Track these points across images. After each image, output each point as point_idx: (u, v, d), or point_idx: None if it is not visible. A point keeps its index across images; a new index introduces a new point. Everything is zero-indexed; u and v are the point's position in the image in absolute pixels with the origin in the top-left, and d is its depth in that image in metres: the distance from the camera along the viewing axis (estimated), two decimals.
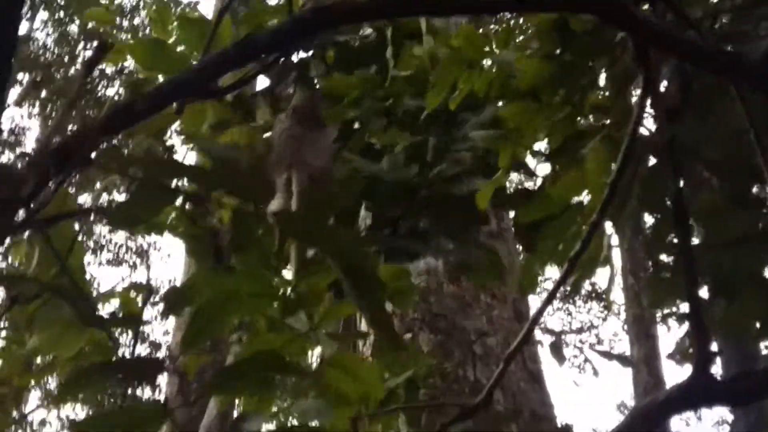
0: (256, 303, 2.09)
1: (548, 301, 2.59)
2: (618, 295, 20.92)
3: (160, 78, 2.94)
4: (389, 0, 1.64)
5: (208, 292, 1.96)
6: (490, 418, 3.75)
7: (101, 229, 18.54)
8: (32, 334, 2.11)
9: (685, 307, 3.27)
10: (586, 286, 19.83)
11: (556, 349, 4.13)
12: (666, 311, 3.48)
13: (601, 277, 20.33)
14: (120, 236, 19.05)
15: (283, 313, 2.43)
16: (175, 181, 1.91)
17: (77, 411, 17.78)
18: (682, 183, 2.87)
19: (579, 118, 3.10)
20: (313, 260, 2.20)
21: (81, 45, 18.34)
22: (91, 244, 17.86)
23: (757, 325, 3.04)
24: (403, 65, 3.54)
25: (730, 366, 8.91)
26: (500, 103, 3.22)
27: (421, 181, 3.27)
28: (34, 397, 15.58)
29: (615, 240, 3.23)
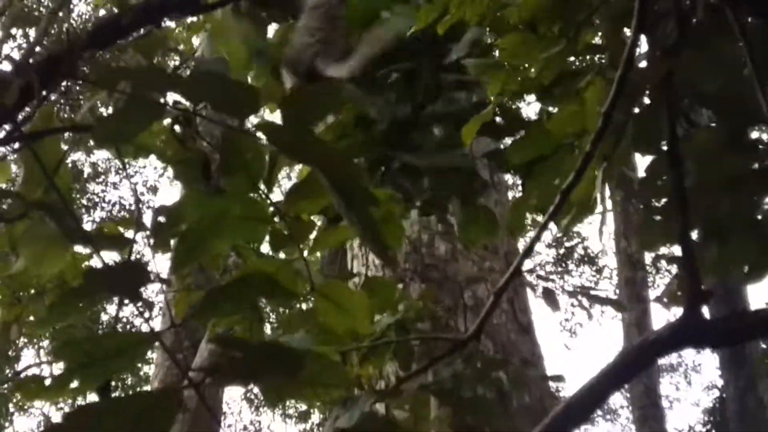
0: (245, 226, 2.06)
1: (538, 235, 2.58)
2: (610, 260, 21.01)
3: None
4: None
5: (196, 213, 1.94)
6: (480, 362, 3.75)
7: (94, 187, 18.50)
8: (18, 257, 2.09)
9: (676, 250, 3.26)
10: (579, 250, 19.89)
11: (550, 296, 4.12)
12: (657, 253, 3.47)
13: (593, 240, 20.36)
14: (113, 194, 19.04)
15: (273, 245, 2.41)
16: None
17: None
18: (676, 123, 2.86)
19: (573, 57, 3.08)
20: (302, 184, 2.18)
21: None
22: (84, 201, 17.82)
23: (747, 267, 3.04)
24: None
25: (719, 309, 8.96)
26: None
27: (413, 120, 3.25)
28: (28, 355, 15.59)
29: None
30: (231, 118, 1.67)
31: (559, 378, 4.62)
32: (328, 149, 1.61)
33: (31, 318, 2.88)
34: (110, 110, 1.77)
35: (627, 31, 3.19)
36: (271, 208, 2.16)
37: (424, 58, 3.47)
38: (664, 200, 3.12)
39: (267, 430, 22.62)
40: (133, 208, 20.24)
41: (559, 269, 20.02)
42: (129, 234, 2.71)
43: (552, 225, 3.06)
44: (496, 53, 3.39)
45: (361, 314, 2.31)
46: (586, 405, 2.73)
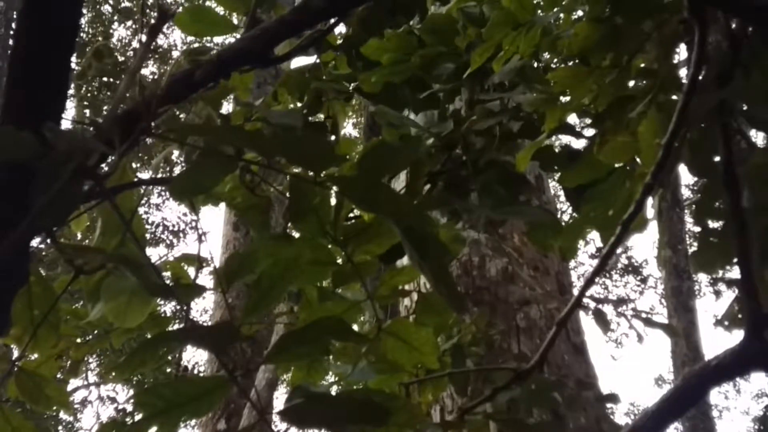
0: (315, 271, 2.11)
1: (602, 265, 2.59)
2: (654, 269, 20.84)
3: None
4: None
5: (268, 260, 1.98)
6: (537, 384, 3.75)
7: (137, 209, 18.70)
8: (93, 305, 2.14)
9: (733, 273, 3.25)
10: (622, 260, 19.76)
11: (601, 317, 4.11)
12: (714, 276, 3.47)
13: (637, 250, 20.21)
14: (156, 215, 19.24)
15: (335, 283, 2.45)
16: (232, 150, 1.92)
17: (116, 390, 18.05)
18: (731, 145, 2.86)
19: (627, 82, 3.09)
20: (368, 228, 2.22)
21: (115, 24, 18.51)
22: None
23: None
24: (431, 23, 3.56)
25: None
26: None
27: (456, 136, 3.30)
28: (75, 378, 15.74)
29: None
30: (306, 171, 1.71)
31: (614, 398, 4.60)
32: (402, 201, 1.64)
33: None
34: (182, 163, 1.83)
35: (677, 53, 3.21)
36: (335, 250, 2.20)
37: (466, 78, 3.52)
38: (720, 222, 3.12)
39: None
40: (176, 228, 20.46)
41: (602, 279, 19.90)
42: (192, 272, 2.78)
43: (594, 235, 3.09)
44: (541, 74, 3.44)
45: (429, 350, 2.35)
46: (648, 431, 2.74)
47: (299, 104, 3.89)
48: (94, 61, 1.99)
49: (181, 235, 20.41)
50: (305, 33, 2.35)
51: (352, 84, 3.91)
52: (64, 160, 1.51)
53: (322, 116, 3.92)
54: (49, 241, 1.67)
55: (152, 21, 1.91)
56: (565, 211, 14.50)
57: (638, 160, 3.10)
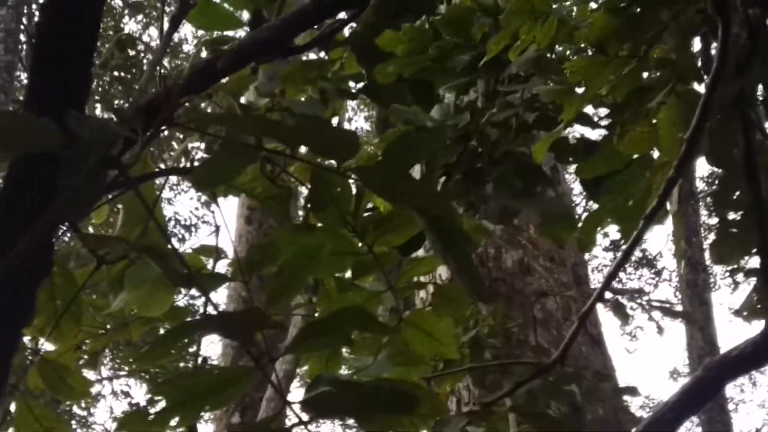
0: (336, 261, 2.11)
1: (624, 259, 2.58)
2: (669, 261, 20.77)
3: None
4: None
5: (290, 250, 1.98)
6: (556, 377, 3.75)
7: None
8: (115, 295, 2.15)
9: (753, 263, 3.24)
10: (637, 253, 19.70)
11: (620, 309, 4.10)
12: (733, 267, 3.45)
13: (651, 242, 20.14)
14: (168, 210, 19.28)
15: (355, 273, 2.45)
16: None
17: (130, 384, 18.11)
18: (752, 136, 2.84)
19: (644, 72, 3.08)
20: (388, 218, 2.21)
21: (126, 18, 18.56)
22: None
23: None
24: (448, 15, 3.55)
25: None
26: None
27: (472, 128, 3.29)
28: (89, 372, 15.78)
29: None
30: (329, 160, 1.71)
31: (632, 391, 4.59)
32: (426, 191, 1.64)
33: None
34: (204, 153, 1.83)
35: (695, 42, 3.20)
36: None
37: (481, 70, 3.51)
38: (739, 213, 3.11)
39: None
40: (188, 223, 20.51)
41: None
42: (210, 263, 2.79)
43: (608, 228, 3.08)
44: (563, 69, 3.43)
45: (449, 340, 2.35)
46: (668, 422, 2.73)
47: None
48: (116, 51, 2.00)
49: (193, 229, 20.45)
50: (325, 23, 2.35)
51: (358, 84, 3.92)
52: (88, 149, 1.51)
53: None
54: (72, 231, 1.67)
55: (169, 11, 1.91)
56: (578, 204, 14.46)
57: (656, 150, 3.09)
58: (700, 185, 16.72)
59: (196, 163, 2.02)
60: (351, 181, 2.00)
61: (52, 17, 1.60)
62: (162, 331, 2.68)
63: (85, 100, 1.62)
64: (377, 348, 2.55)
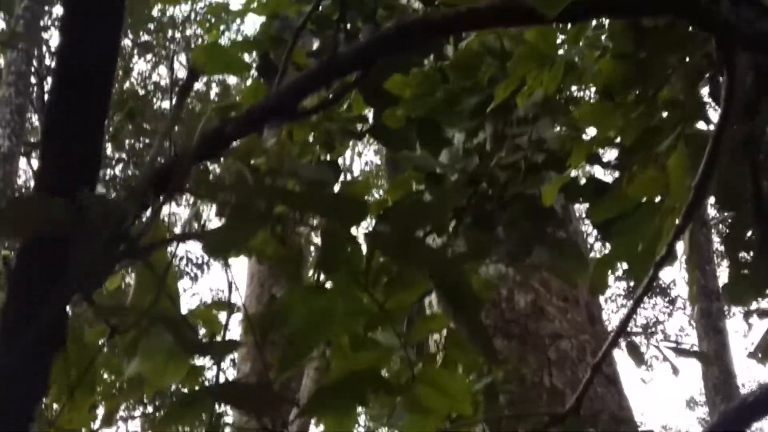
0: (349, 321, 2.10)
1: (636, 305, 2.58)
2: (682, 289, 20.69)
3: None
4: (476, 14, 1.65)
5: (302, 312, 1.98)
6: (571, 424, 3.72)
7: None
8: (129, 360, 2.15)
9: (766, 304, 3.23)
10: None
11: (634, 350, 4.07)
12: (747, 309, 3.44)
13: (665, 271, 20.09)
14: (180, 248, 19.34)
15: (367, 329, 2.44)
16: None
17: None
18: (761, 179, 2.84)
19: (653, 115, 3.09)
20: (400, 276, 2.21)
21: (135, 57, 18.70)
22: None
23: None
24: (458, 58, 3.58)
25: None
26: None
27: (482, 171, 3.30)
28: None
29: None
30: (337, 225, 1.72)
31: None
32: (436, 256, 1.64)
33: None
34: (214, 218, 1.84)
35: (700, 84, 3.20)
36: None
37: (489, 114, 3.52)
38: (751, 254, 3.10)
39: None
40: (199, 261, 20.53)
41: (630, 301, 19.76)
42: (223, 317, 2.79)
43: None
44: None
45: (463, 397, 2.33)
46: None
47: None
48: (126, 123, 2.01)
49: (205, 267, 20.50)
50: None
51: (364, 126, 3.95)
52: (99, 226, 1.52)
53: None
54: (85, 303, 1.68)
55: (173, 53, 1.92)
56: (590, 234, 14.41)
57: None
58: (711, 212, 16.67)
59: (208, 226, 2.03)
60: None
61: (61, 93, 1.62)
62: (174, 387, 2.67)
63: (96, 175, 1.63)
64: (392, 403, 2.54)
